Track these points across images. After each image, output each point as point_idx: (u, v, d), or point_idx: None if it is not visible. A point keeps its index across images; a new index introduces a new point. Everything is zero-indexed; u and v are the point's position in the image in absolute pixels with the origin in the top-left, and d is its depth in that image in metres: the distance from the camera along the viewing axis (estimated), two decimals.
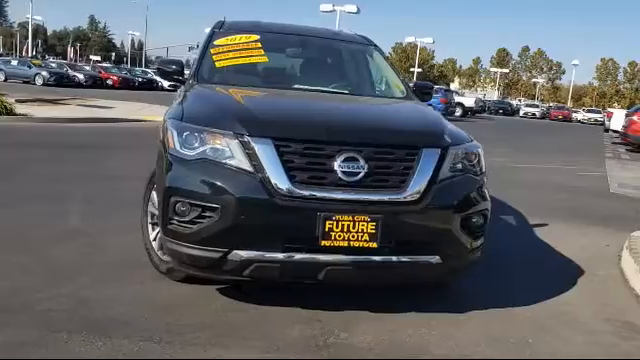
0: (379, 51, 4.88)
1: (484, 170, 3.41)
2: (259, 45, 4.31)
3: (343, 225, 2.89)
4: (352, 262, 2.97)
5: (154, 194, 3.65)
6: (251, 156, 2.93)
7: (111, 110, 15.60)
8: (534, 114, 52.40)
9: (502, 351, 3.02)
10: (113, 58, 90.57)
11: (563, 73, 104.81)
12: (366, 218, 2.90)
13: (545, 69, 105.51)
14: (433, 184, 3.06)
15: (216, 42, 4.34)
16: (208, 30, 4.73)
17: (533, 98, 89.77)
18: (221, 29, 4.55)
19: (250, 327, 3.03)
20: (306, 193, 2.89)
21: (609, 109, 28.75)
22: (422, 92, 4.50)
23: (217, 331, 2.94)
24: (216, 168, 2.96)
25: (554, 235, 5.49)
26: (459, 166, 3.23)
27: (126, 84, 36.20)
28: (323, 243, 2.89)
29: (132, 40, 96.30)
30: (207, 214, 2.93)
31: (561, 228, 5.86)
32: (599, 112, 53.04)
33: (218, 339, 2.85)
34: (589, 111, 55.31)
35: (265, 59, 4.27)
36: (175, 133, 3.10)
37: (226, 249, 2.93)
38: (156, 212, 3.61)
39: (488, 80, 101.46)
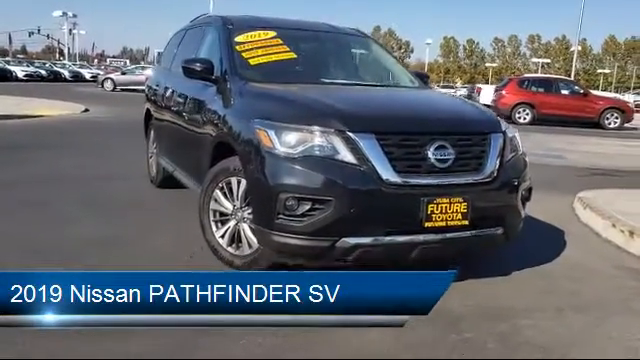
0: (378, 43, 5.22)
1: (522, 151, 3.93)
2: (280, 41, 4.45)
3: (442, 207, 3.25)
4: (440, 240, 3.33)
5: (218, 192, 3.73)
6: (355, 150, 3.17)
7: None
8: None
9: (564, 300, 3.52)
10: None
11: (412, 52, 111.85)
12: (460, 199, 3.28)
13: (395, 48, 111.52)
14: (501, 165, 3.52)
15: (237, 39, 4.39)
16: (210, 25, 4.76)
17: None
18: (232, 26, 4.59)
19: None
20: (409, 181, 3.21)
21: (478, 85, 31.48)
22: (421, 81, 4.92)
23: None
24: (323, 163, 3.17)
25: None
26: (512, 148, 3.71)
27: None
28: (426, 225, 3.23)
29: None
30: (318, 206, 3.13)
31: None
32: (452, 87, 57.89)
33: None
34: (444, 87, 59.87)
35: (292, 55, 4.41)
36: (272, 133, 3.24)
37: (336, 237, 3.16)
38: (222, 209, 3.72)
39: None
